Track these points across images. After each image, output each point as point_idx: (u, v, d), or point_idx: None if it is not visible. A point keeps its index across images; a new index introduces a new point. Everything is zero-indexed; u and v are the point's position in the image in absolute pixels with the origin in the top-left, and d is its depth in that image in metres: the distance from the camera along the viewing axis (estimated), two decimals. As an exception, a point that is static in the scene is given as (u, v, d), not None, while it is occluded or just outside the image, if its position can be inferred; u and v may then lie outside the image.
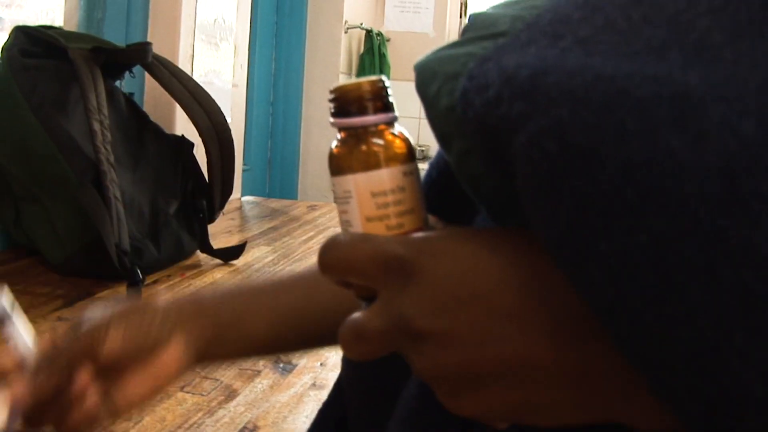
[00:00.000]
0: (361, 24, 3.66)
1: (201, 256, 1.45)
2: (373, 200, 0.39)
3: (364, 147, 0.40)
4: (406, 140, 0.41)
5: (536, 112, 0.28)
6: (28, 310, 1.06)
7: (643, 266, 0.26)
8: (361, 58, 3.72)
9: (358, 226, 0.40)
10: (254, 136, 3.03)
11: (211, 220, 1.46)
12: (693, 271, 0.25)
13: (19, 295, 1.11)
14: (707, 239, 0.25)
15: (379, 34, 3.78)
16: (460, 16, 4.41)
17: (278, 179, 3.26)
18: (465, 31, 0.36)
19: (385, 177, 0.39)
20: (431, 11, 4.10)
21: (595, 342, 0.30)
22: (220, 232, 1.69)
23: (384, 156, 0.40)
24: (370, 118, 0.40)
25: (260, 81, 3.07)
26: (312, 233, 1.77)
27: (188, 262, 1.41)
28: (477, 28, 0.35)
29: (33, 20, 1.91)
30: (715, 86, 0.26)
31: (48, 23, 1.91)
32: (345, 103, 0.40)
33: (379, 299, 0.35)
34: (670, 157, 0.25)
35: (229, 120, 2.12)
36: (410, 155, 0.40)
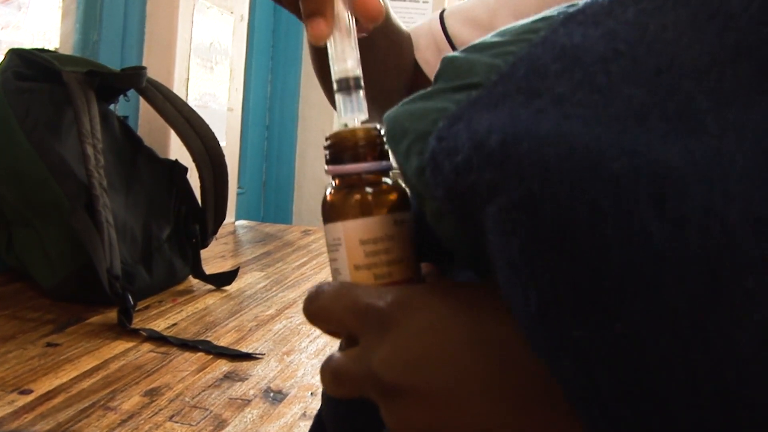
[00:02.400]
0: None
1: (193, 281, 1.44)
2: (362, 248, 0.39)
3: (356, 195, 0.39)
4: (399, 189, 0.40)
5: (507, 184, 0.27)
6: (18, 335, 1.06)
7: (618, 358, 0.24)
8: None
9: (346, 275, 0.39)
10: (249, 159, 3.03)
11: (204, 245, 1.45)
12: (670, 367, 0.24)
13: (8, 319, 1.11)
14: (686, 335, 0.23)
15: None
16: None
17: (273, 202, 3.25)
18: (438, 77, 0.35)
19: (375, 225, 0.39)
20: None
21: (562, 409, 0.28)
22: (214, 257, 1.68)
23: (375, 204, 0.39)
24: (363, 166, 0.40)
25: (256, 104, 3.07)
26: (305, 259, 1.76)
27: (180, 287, 1.41)
28: (450, 76, 0.34)
29: (29, 42, 1.91)
30: (698, 164, 0.24)
31: (44, 45, 1.92)
32: (339, 150, 0.40)
33: (359, 347, 0.36)
34: (648, 243, 0.24)
35: (224, 144, 2.12)
36: (403, 204, 0.40)
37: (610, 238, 0.24)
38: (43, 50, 1.41)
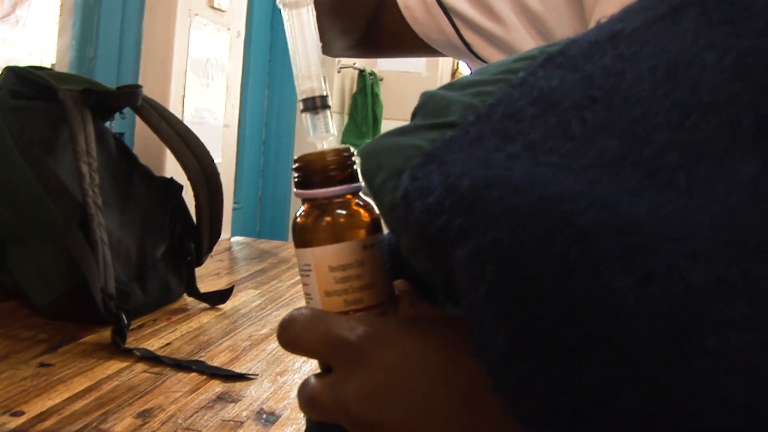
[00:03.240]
0: (354, 64, 3.68)
1: (188, 299, 1.44)
2: (332, 274, 0.39)
3: (324, 220, 0.39)
4: (370, 211, 0.40)
5: (476, 230, 0.27)
6: (10, 355, 1.05)
7: (580, 412, 0.24)
8: (354, 98, 3.74)
9: (317, 301, 0.39)
10: (246, 175, 3.03)
11: (199, 263, 1.45)
12: (632, 423, 0.23)
13: (1, 339, 1.10)
14: (648, 394, 0.23)
15: (372, 73, 3.80)
16: (453, 56, 4.44)
17: (269, 217, 3.25)
18: (416, 112, 0.35)
19: (345, 251, 0.39)
20: (424, 51, 4.12)
21: None
22: (209, 274, 1.68)
23: (343, 230, 0.39)
24: (332, 190, 0.39)
25: (252, 119, 3.08)
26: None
27: (175, 305, 1.40)
28: (428, 112, 0.34)
29: (25, 58, 1.91)
30: (665, 221, 0.24)
31: (41, 60, 1.92)
32: (308, 173, 0.40)
33: (332, 376, 0.37)
34: (614, 299, 0.24)
35: (219, 160, 2.12)
36: (373, 227, 0.40)
37: (576, 292, 0.24)
38: (39, 68, 1.41)
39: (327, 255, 0.39)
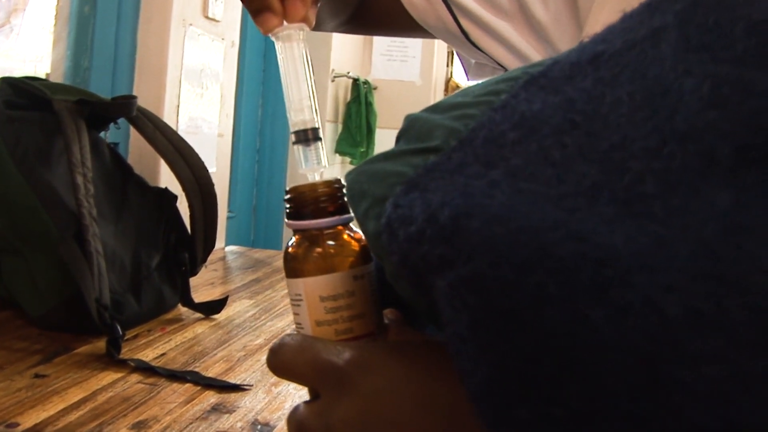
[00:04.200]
0: (348, 72, 3.69)
1: (182, 309, 1.44)
2: (322, 305, 0.39)
3: (315, 251, 0.40)
4: (360, 242, 0.40)
5: (457, 260, 0.27)
6: (5, 366, 1.05)
7: None
8: (348, 107, 3.74)
9: (308, 330, 0.40)
10: (240, 183, 3.03)
11: (194, 273, 1.45)
12: None
13: (-5, 350, 1.10)
14: (624, 425, 0.23)
15: (366, 82, 3.80)
16: (447, 65, 4.45)
17: (263, 226, 3.25)
18: (400, 136, 0.36)
19: (335, 282, 0.39)
20: (418, 60, 4.14)
21: None
22: (203, 284, 1.68)
23: (335, 261, 0.39)
24: (323, 222, 0.40)
25: (247, 128, 3.08)
26: (295, 285, 1.75)
27: (169, 315, 1.40)
28: (411, 137, 0.35)
29: (20, 68, 1.92)
30: (641, 252, 0.24)
31: (35, 70, 1.92)
32: (300, 205, 0.40)
33: (320, 402, 0.37)
34: (590, 331, 0.24)
35: (214, 169, 2.13)
36: (363, 258, 0.40)
37: (554, 322, 0.25)
38: (33, 78, 1.42)
39: (318, 285, 0.39)
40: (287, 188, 0.41)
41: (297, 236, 0.41)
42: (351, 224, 0.41)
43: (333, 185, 0.41)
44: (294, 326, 0.41)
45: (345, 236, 0.40)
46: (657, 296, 0.23)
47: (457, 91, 0.37)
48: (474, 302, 0.27)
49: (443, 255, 0.28)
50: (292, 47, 0.47)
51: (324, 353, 0.37)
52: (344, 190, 0.41)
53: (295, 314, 0.41)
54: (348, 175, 0.37)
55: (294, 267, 0.40)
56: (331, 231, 0.40)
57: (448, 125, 0.33)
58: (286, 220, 0.41)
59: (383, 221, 0.32)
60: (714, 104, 0.26)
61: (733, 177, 0.24)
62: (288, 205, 0.41)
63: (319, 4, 0.52)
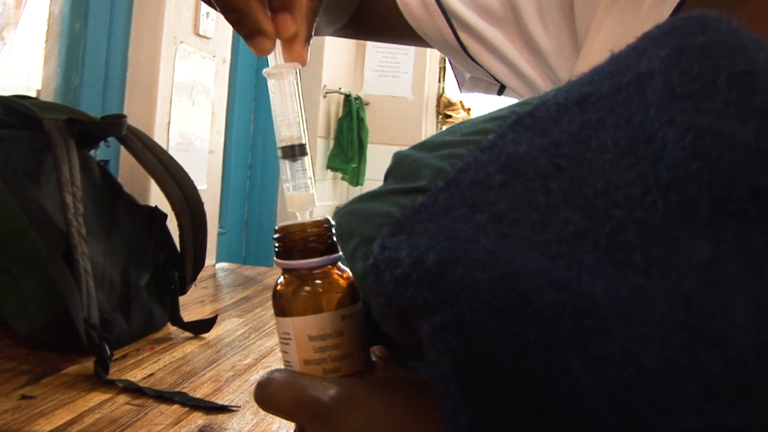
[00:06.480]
0: (340, 88, 3.70)
1: (171, 328, 1.43)
2: (311, 344, 0.39)
3: (303, 291, 0.40)
4: (348, 281, 0.41)
5: (441, 305, 0.28)
6: (-8, 386, 1.05)
7: None
8: (340, 122, 3.75)
9: (296, 368, 0.40)
10: (231, 199, 3.03)
11: (183, 292, 1.45)
12: None
13: (-17, 370, 1.09)
14: None
15: (358, 98, 3.81)
16: (439, 81, 4.46)
17: (254, 242, 3.25)
18: (389, 174, 0.36)
19: (324, 322, 0.39)
20: (410, 75, 4.15)
21: None
22: (193, 302, 1.68)
23: (322, 301, 0.40)
24: (311, 262, 0.40)
25: (238, 144, 3.08)
26: (285, 303, 1.75)
27: (158, 335, 1.40)
28: (399, 176, 0.35)
29: (12, 85, 1.92)
30: (621, 303, 0.24)
31: (27, 83, 1.92)
32: (289, 245, 0.41)
33: None
34: (570, 379, 0.24)
35: (205, 186, 2.13)
36: (352, 297, 0.40)
37: (534, 369, 0.25)
38: (23, 97, 1.42)
39: (306, 325, 0.40)
40: (276, 227, 0.42)
41: (286, 275, 0.41)
42: (339, 262, 0.42)
43: (322, 225, 0.41)
44: (283, 363, 0.42)
45: (334, 275, 0.41)
46: (635, 347, 0.23)
47: (445, 128, 0.37)
48: (457, 346, 0.27)
49: (428, 299, 0.28)
50: (283, 85, 0.47)
51: (310, 389, 0.37)
52: (333, 230, 0.41)
53: (284, 352, 0.41)
54: (336, 214, 0.38)
55: (283, 306, 0.40)
56: (320, 271, 0.41)
57: (435, 165, 0.33)
58: (275, 258, 0.41)
59: (370, 262, 0.32)
60: (696, 156, 0.26)
61: (712, 229, 0.25)
62: (277, 245, 0.41)
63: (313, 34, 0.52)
